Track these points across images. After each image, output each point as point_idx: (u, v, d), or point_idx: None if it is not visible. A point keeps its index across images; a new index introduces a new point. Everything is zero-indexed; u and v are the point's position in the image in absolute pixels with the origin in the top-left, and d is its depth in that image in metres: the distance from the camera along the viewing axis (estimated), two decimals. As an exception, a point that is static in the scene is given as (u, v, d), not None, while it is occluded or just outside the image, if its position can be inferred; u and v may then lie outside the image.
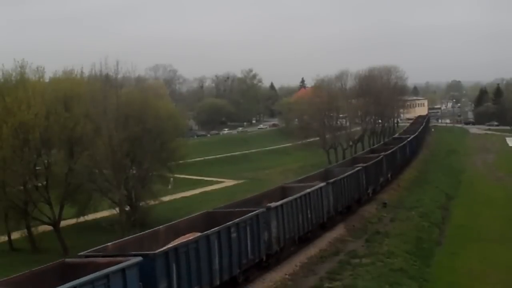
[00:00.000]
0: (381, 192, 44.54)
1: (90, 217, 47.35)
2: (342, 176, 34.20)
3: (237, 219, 20.80)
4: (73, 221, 45.71)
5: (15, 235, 41.84)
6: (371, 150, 56.90)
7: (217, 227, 19.57)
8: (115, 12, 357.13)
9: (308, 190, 28.39)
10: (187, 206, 51.28)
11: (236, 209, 23.14)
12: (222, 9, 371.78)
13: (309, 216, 27.73)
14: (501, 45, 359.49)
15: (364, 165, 39.74)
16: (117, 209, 41.75)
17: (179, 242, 17.98)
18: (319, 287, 22.72)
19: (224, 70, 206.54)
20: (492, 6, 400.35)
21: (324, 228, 30.78)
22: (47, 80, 44.66)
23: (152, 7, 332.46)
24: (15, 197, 38.81)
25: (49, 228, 40.55)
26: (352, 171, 36.67)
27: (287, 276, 23.78)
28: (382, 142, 74.05)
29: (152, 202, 47.20)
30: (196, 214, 23.50)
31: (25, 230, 41.13)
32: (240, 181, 70.79)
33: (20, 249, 40.82)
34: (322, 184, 30.50)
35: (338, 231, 32.24)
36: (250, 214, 21.86)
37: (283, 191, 29.84)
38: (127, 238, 18.90)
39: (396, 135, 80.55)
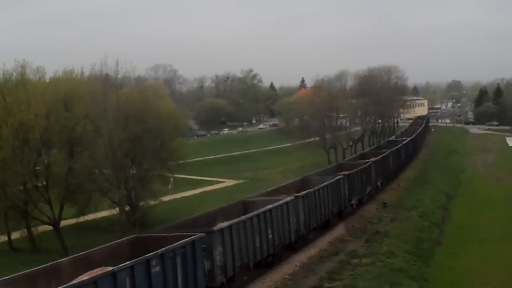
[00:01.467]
0: (381, 192, 44.52)
1: (90, 217, 47.34)
2: (317, 187, 29.80)
3: (162, 249, 16.57)
4: (73, 221, 45.70)
5: (15, 235, 41.81)
6: (360, 155, 52.32)
7: (130, 261, 15.37)
8: (115, 12, 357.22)
9: (269, 206, 24.06)
10: (187, 206, 51.39)
11: (171, 234, 18.77)
12: (222, 9, 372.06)
13: (270, 237, 23.64)
14: (501, 45, 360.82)
15: (347, 173, 35.60)
16: (117, 209, 41.72)
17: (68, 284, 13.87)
18: (319, 287, 22.75)
19: (224, 70, 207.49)
20: (492, 6, 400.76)
21: (292, 249, 26.59)
22: (47, 80, 44.64)
23: (152, 7, 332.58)
24: (15, 197, 38.75)
25: (49, 228, 40.51)
26: (331, 180, 32.28)
27: (287, 276, 23.79)
28: (374, 146, 69.39)
29: (152, 202, 47.22)
30: (122, 239, 19.14)
31: (25, 230, 41.11)
32: (240, 181, 70.81)
33: (20, 249, 40.79)
34: (289, 198, 26.09)
35: (338, 231, 32.25)
36: (181, 241, 17.51)
37: (245, 206, 26.06)
38: (17, 274, 14.78)
39: (392, 138, 77.33)
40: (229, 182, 70.88)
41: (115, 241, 18.70)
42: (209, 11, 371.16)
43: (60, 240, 39.33)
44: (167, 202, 51.75)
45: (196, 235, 18.24)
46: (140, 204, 45.60)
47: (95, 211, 47.11)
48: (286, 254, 25.89)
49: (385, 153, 47.81)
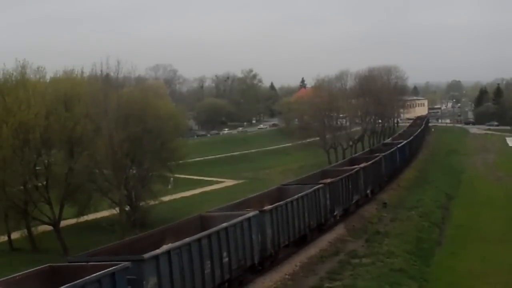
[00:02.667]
0: (381, 192, 44.52)
1: (90, 217, 47.30)
2: (289, 199, 26.40)
3: (65, 286, 13.29)
4: (73, 221, 45.68)
5: (15, 235, 41.77)
6: (350, 160, 48.83)
7: None
8: (115, 12, 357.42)
9: (225, 224, 20.57)
10: (187, 206, 51.40)
11: (92, 263, 15.58)
12: (222, 9, 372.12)
13: (226, 260, 20.19)
14: (501, 45, 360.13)
15: (328, 181, 32.16)
16: (117, 209, 41.74)
17: None
18: (319, 287, 22.77)
19: (224, 70, 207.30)
20: (493, 6, 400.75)
21: (257, 272, 23.23)
22: (47, 80, 44.64)
23: (153, 7, 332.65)
24: (15, 197, 38.70)
25: (49, 228, 40.51)
26: (308, 191, 28.74)
27: (287, 276, 23.80)
28: (367, 149, 65.59)
29: (152, 202, 47.22)
30: (31, 270, 15.47)
31: (25, 230, 41.08)
32: (240, 181, 70.82)
33: (20, 249, 40.76)
34: (251, 214, 22.62)
35: (338, 231, 32.27)
36: (96, 274, 14.26)
37: (203, 222, 22.84)
38: None
39: (388, 140, 75.17)
40: (229, 182, 70.89)
41: (22, 272, 15.04)
42: (209, 11, 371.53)
43: (60, 240, 39.33)
44: (167, 202, 51.73)
45: (118, 266, 14.85)
46: (140, 204, 45.62)
47: (95, 211, 47.09)
48: (249, 278, 22.45)
49: (377, 158, 44.52)
